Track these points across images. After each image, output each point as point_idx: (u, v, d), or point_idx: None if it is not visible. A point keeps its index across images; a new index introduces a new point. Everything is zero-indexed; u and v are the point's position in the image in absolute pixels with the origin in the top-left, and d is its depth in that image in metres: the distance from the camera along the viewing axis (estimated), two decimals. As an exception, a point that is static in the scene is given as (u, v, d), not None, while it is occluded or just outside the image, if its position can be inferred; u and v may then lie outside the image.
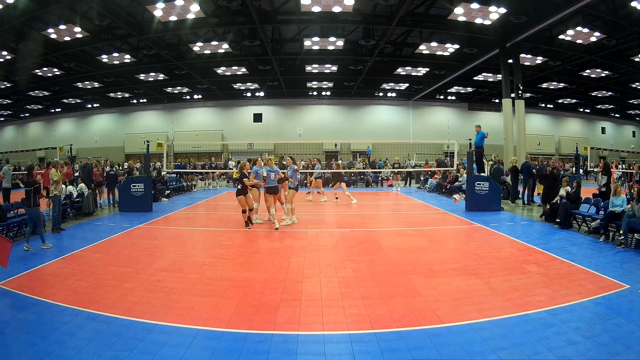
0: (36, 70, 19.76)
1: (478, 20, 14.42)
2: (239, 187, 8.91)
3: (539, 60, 19.29)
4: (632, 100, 27.86)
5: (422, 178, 20.65)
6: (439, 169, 19.21)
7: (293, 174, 9.42)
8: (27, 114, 31.21)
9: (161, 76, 22.58)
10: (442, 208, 12.11)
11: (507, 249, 6.96)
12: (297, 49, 18.55)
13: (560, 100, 29.29)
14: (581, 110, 31.91)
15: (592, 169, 23.59)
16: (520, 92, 17.14)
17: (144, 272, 5.54)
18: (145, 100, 28.95)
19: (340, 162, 19.85)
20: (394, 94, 27.99)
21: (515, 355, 3.24)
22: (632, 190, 9.25)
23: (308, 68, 21.44)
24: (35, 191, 7.20)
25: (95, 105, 29.36)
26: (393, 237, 8.05)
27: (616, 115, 33.31)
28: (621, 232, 6.97)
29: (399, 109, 29.69)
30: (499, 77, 20.03)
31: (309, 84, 25.79)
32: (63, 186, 10.44)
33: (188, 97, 28.51)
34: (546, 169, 10.92)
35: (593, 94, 26.44)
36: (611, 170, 10.56)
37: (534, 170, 12.48)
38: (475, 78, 23.46)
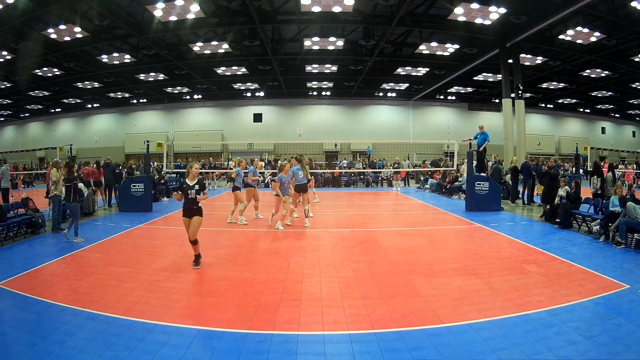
0: (36, 70, 19.75)
1: (478, 20, 14.42)
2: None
3: (539, 60, 19.28)
4: (632, 100, 27.85)
5: (422, 178, 20.66)
6: (437, 169, 19.24)
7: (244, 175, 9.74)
8: (27, 114, 31.19)
9: (161, 76, 22.57)
10: (442, 208, 12.11)
11: (507, 249, 6.96)
12: (297, 49, 18.54)
13: (560, 100, 29.29)
14: (581, 110, 31.91)
15: (592, 169, 23.51)
16: (520, 92, 17.15)
17: (144, 272, 5.54)
18: (145, 100, 28.94)
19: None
20: (394, 94, 27.99)
21: (515, 355, 3.24)
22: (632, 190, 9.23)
23: (308, 68, 21.44)
24: (74, 187, 7.86)
25: (95, 105, 29.35)
26: (393, 237, 8.05)
27: (616, 115, 33.31)
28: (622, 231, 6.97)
29: (399, 109, 29.68)
30: (499, 77, 20.03)
31: (309, 84, 25.78)
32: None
33: (188, 97, 28.50)
34: (543, 167, 10.93)
35: (593, 94, 26.44)
36: (602, 170, 10.46)
37: (534, 171, 12.49)
38: (475, 78, 23.45)
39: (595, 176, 9.83)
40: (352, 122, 29.02)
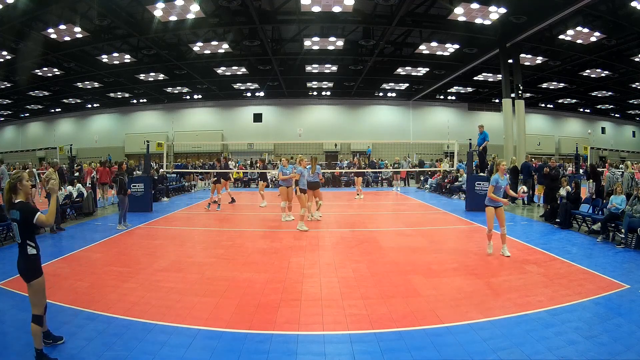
0: (36, 70, 19.75)
1: (478, 20, 14.41)
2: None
3: (539, 60, 19.28)
4: (632, 100, 27.86)
5: (422, 178, 20.68)
6: (437, 169, 19.25)
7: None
8: (27, 114, 31.20)
9: (161, 76, 22.57)
10: (442, 208, 12.11)
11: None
12: (297, 49, 18.54)
13: (560, 100, 29.30)
14: (581, 110, 31.92)
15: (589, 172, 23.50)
16: (520, 92, 17.13)
17: (144, 272, 5.54)
18: (145, 100, 28.95)
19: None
20: (394, 94, 27.99)
21: (515, 355, 3.24)
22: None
23: (308, 68, 21.44)
24: (121, 181, 8.79)
25: (95, 105, 29.36)
26: (393, 237, 8.05)
27: (616, 115, 33.32)
28: (622, 230, 6.96)
29: (399, 109, 29.69)
30: (499, 77, 20.03)
31: (309, 84, 25.78)
32: (72, 186, 10.80)
33: (188, 97, 28.50)
34: (544, 169, 10.93)
35: (593, 94, 26.44)
36: (597, 172, 10.41)
37: (534, 172, 12.48)
38: (475, 78, 23.45)
39: (591, 180, 9.79)
40: (352, 122, 29.03)
